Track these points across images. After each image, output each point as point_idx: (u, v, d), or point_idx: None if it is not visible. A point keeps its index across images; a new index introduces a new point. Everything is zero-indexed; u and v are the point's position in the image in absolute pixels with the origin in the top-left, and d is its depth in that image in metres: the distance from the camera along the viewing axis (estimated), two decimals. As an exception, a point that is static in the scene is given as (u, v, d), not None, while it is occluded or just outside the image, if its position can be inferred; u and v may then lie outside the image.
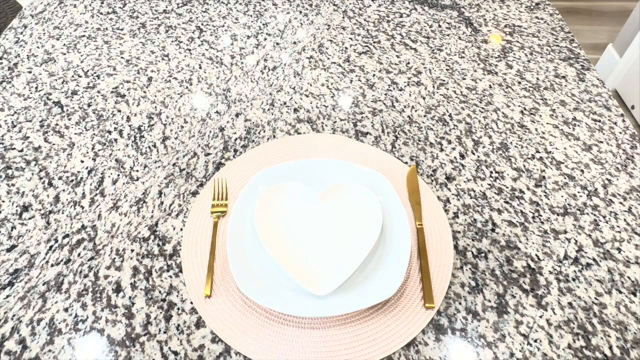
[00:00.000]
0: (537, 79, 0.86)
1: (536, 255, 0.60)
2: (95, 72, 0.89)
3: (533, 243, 0.62)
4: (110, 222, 0.65)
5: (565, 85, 0.84)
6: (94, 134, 0.77)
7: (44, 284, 0.58)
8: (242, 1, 1.07)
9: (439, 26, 0.99)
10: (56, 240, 0.63)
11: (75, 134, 0.77)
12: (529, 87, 0.84)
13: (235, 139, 0.76)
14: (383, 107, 0.81)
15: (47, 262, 0.60)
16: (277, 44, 0.95)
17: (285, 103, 0.82)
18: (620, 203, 0.66)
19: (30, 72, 0.89)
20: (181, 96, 0.84)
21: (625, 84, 2.07)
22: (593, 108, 0.80)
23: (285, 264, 0.56)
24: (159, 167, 0.72)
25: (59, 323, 0.55)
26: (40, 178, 0.70)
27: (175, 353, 0.52)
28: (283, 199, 0.64)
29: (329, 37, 0.96)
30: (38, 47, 0.95)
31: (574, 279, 0.58)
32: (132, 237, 0.63)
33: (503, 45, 0.94)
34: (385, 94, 0.83)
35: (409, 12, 1.03)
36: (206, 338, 0.53)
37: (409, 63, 0.90)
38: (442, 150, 0.73)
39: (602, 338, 0.53)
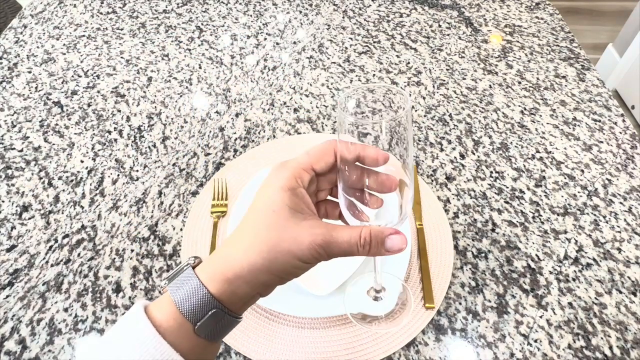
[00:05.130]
0: (537, 79, 0.86)
1: (536, 255, 0.60)
2: (95, 72, 0.89)
3: (533, 243, 0.62)
4: (110, 222, 0.65)
5: (566, 85, 0.84)
6: (94, 134, 0.77)
7: (43, 284, 0.58)
8: (242, 1, 1.07)
9: (439, 26, 0.99)
10: (56, 240, 0.63)
11: (75, 134, 0.77)
12: (529, 87, 0.84)
13: (235, 139, 0.76)
14: (383, 107, 0.81)
15: (47, 262, 0.60)
16: (277, 43, 0.95)
17: (285, 103, 0.82)
18: (621, 203, 0.66)
19: (30, 72, 0.89)
20: (181, 96, 0.84)
21: (626, 84, 2.07)
22: (593, 108, 0.80)
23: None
24: (158, 167, 0.72)
25: (59, 323, 0.54)
26: (40, 178, 0.70)
27: (175, 353, 0.52)
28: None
29: (329, 37, 0.96)
30: (38, 47, 0.95)
31: (574, 279, 0.58)
32: (132, 237, 0.63)
33: (503, 45, 0.94)
34: (385, 94, 0.83)
35: (409, 12, 1.03)
36: (206, 338, 0.53)
37: (409, 63, 0.90)
38: (442, 150, 0.73)
39: (602, 338, 0.53)
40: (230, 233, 0.33)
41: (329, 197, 0.38)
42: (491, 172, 0.70)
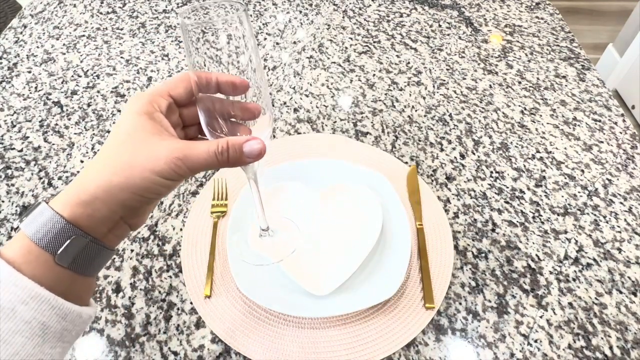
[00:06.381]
0: (538, 78, 0.86)
1: (536, 255, 0.60)
2: (95, 72, 0.89)
3: (533, 243, 0.62)
4: (110, 222, 0.64)
5: (566, 85, 0.84)
6: (94, 134, 0.77)
7: (43, 284, 0.58)
8: (242, 1, 1.07)
9: (439, 26, 0.99)
10: (56, 240, 0.62)
11: (75, 134, 0.77)
12: (529, 87, 0.84)
13: (235, 139, 0.75)
14: (383, 107, 0.81)
15: (46, 262, 0.60)
16: (277, 43, 0.95)
17: (285, 103, 0.81)
18: (621, 203, 0.66)
19: (30, 72, 0.89)
20: (181, 96, 0.83)
21: (626, 84, 2.07)
22: (593, 108, 0.80)
23: (285, 264, 0.56)
24: (158, 167, 0.72)
25: (59, 323, 0.54)
26: (40, 178, 0.70)
27: (175, 353, 0.52)
28: (283, 199, 0.64)
29: (329, 37, 0.96)
30: (38, 47, 0.95)
31: (574, 279, 0.58)
32: (131, 237, 0.63)
33: (503, 45, 0.94)
34: (385, 94, 0.83)
35: (409, 12, 1.03)
36: (206, 338, 0.53)
37: (409, 63, 0.90)
38: (442, 150, 0.73)
39: (602, 338, 0.53)
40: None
41: (200, 136, 0.39)
42: (491, 172, 0.70)
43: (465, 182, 0.69)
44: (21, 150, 0.75)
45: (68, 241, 0.30)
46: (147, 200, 0.32)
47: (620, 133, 0.75)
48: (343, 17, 1.02)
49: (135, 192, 0.31)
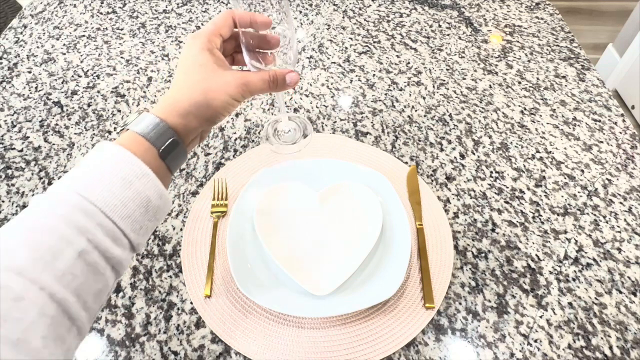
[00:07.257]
0: (537, 79, 0.86)
1: (536, 255, 0.60)
2: (95, 72, 0.89)
3: (533, 243, 0.62)
4: (110, 222, 0.64)
5: (566, 85, 0.84)
6: (94, 134, 0.77)
7: (43, 284, 0.58)
8: (242, 1, 1.07)
9: (439, 26, 0.99)
10: (56, 240, 0.62)
11: (75, 134, 0.77)
12: (529, 87, 0.84)
13: (235, 139, 0.76)
14: (383, 107, 0.81)
15: (47, 262, 0.60)
16: (277, 44, 0.95)
17: (285, 103, 0.81)
18: (621, 203, 0.66)
19: (30, 72, 0.89)
20: (181, 96, 0.83)
21: (626, 84, 2.07)
22: (593, 108, 0.80)
23: (285, 264, 0.56)
24: (158, 167, 0.72)
25: (59, 323, 0.54)
26: (40, 178, 0.70)
27: (175, 353, 0.52)
28: (283, 199, 0.64)
29: (329, 37, 0.96)
30: (38, 47, 0.95)
31: (574, 279, 0.58)
32: (132, 237, 0.63)
33: (503, 45, 0.94)
34: (385, 94, 0.83)
35: (409, 12, 1.03)
36: (206, 338, 0.53)
37: (409, 63, 0.90)
38: (442, 150, 0.73)
39: (602, 338, 0.53)
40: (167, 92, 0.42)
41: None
42: (491, 172, 0.70)
43: (465, 182, 0.69)
44: (21, 150, 0.75)
45: (169, 140, 0.38)
46: (221, 117, 0.42)
47: (620, 133, 0.75)
48: (343, 17, 1.02)
49: (216, 110, 0.41)
